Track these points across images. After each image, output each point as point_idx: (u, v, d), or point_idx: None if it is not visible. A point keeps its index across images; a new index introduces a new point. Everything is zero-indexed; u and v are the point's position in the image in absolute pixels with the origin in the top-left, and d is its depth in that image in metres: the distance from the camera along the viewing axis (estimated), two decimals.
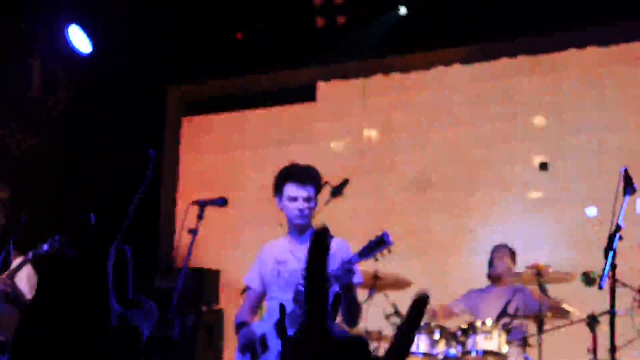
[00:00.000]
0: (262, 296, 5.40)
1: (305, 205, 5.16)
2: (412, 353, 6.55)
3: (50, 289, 1.01)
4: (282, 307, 1.32)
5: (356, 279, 5.02)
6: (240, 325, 5.25)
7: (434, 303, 7.94)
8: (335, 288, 4.83)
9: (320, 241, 1.00)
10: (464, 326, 6.58)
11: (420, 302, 1.05)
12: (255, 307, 5.44)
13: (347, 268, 4.78)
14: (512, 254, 7.45)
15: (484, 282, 7.50)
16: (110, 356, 0.95)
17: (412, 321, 1.03)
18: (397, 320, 6.83)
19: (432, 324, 6.64)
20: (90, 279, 0.95)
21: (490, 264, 7.46)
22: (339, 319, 5.06)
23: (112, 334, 0.96)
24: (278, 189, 5.23)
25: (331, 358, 0.94)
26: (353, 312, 5.12)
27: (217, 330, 6.89)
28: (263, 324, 5.19)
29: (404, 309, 6.79)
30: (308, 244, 1.08)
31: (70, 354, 0.93)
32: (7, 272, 5.26)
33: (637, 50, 8.43)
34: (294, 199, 5.15)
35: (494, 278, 7.39)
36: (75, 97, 9.10)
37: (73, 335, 0.93)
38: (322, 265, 0.99)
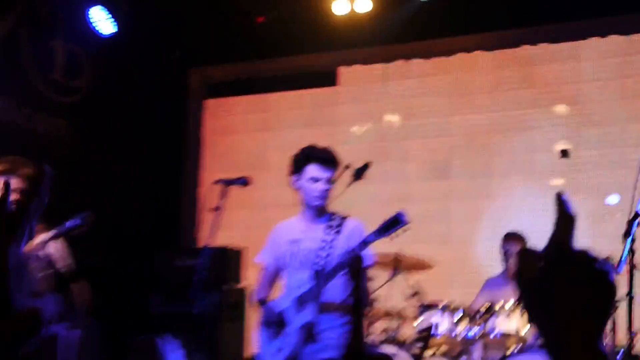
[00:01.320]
0: (275, 274, 5.43)
1: (327, 187, 5.17)
2: (432, 334, 6.59)
3: None
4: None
5: (366, 262, 5.05)
6: (261, 302, 5.32)
7: (457, 293, 7.95)
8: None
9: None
10: (485, 308, 6.60)
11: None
12: (271, 283, 5.47)
13: (354, 255, 4.80)
14: (524, 242, 7.25)
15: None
16: (20, 328, 1.14)
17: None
18: (416, 301, 6.86)
19: (452, 306, 6.66)
20: None
21: (505, 258, 7.27)
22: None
23: (18, 314, 1.14)
24: (298, 169, 5.21)
25: None
26: (362, 296, 5.13)
27: (240, 307, 6.94)
28: (281, 302, 5.24)
29: (424, 291, 6.85)
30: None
31: None
32: (37, 244, 5.35)
33: None
34: (316, 180, 5.15)
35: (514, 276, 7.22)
36: (98, 79, 9.16)
37: None
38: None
